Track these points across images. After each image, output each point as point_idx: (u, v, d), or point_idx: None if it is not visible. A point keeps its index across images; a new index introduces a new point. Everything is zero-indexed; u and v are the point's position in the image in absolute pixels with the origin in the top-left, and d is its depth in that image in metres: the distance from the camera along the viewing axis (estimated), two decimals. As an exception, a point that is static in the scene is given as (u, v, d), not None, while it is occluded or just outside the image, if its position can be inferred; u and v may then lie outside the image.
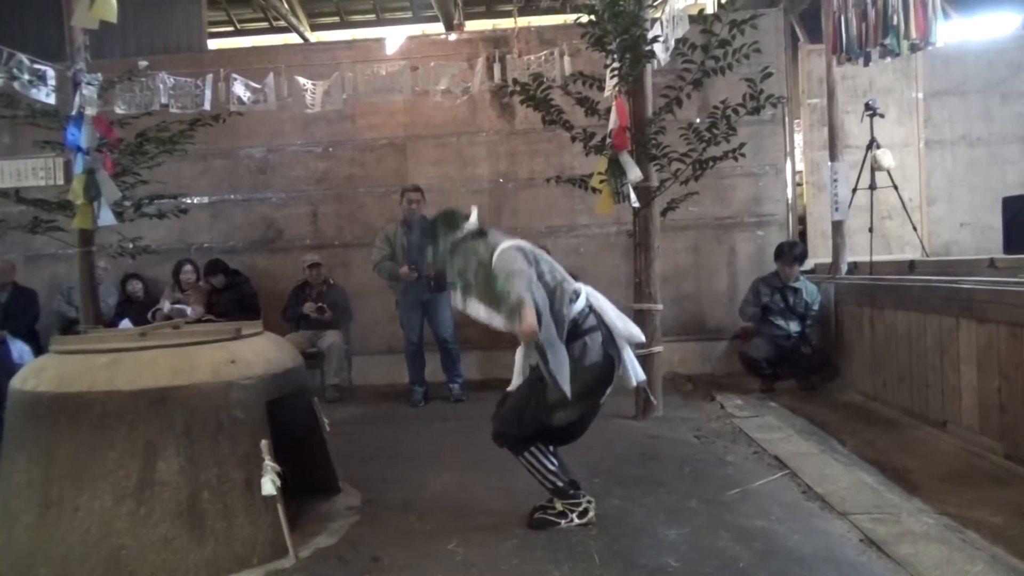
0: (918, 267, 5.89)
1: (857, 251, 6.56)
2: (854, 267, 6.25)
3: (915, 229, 6.72)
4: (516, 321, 2.71)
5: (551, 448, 3.14)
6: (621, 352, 3.09)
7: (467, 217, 3.20)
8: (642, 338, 3.20)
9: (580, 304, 3.04)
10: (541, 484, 3.11)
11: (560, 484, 3.09)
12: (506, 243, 3.03)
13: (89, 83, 5.01)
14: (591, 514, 3.13)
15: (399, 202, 6.05)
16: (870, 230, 6.34)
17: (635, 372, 3.13)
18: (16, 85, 5.00)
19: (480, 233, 3.17)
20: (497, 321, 2.87)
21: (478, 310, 2.96)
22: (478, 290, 2.97)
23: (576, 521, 3.09)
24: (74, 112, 4.95)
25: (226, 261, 6.70)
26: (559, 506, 3.11)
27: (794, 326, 5.83)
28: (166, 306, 6.37)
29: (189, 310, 6.31)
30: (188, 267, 6.63)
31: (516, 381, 3.18)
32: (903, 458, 3.98)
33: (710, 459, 4.05)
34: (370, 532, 3.18)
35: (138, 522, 2.75)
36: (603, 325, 3.06)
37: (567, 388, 2.84)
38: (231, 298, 6.53)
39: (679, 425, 4.83)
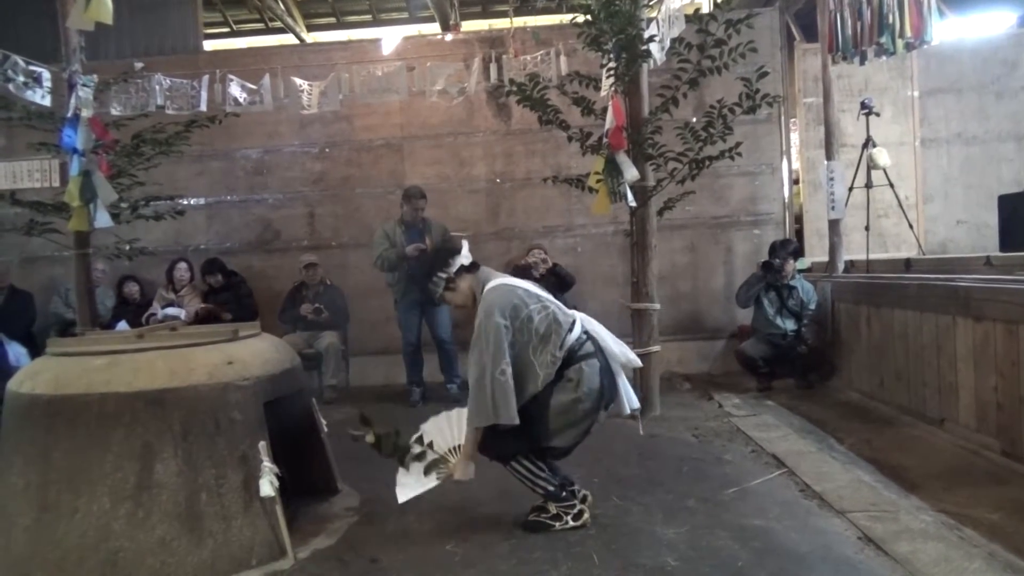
0: (915, 265, 5.91)
1: (853, 249, 6.57)
2: (851, 265, 6.26)
3: (911, 227, 6.74)
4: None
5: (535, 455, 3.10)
6: (616, 379, 3.11)
7: (459, 251, 3.22)
8: (639, 363, 3.22)
9: (575, 333, 3.05)
10: (532, 490, 3.10)
11: (551, 488, 3.08)
12: (494, 282, 3.10)
13: (85, 85, 4.99)
14: (586, 515, 3.12)
15: (400, 205, 6.04)
16: (866, 228, 6.35)
17: (629, 400, 3.15)
18: (11, 87, 4.98)
19: (472, 267, 3.22)
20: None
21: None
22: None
23: (571, 523, 3.08)
24: (69, 114, 4.93)
25: (222, 262, 6.68)
26: (553, 509, 3.10)
27: (790, 325, 5.84)
28: (159, 312, 6.35)
29: (183, 314, 6.29)
30: (183, 264, 6.62)
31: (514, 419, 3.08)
32: (900, 456, 3.99)
33: (708, 458, 4.05)
34: (369, 533, 3.18)
35: (136, 524, 2.75)
36: (600, 352, 3.07)
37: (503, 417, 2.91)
38: (228, 299, 6.52)
39: (677, 424, 4.83)
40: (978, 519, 3.05)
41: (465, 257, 3.20)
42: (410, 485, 3.10)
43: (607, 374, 3.06)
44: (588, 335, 3.10)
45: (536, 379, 2.96)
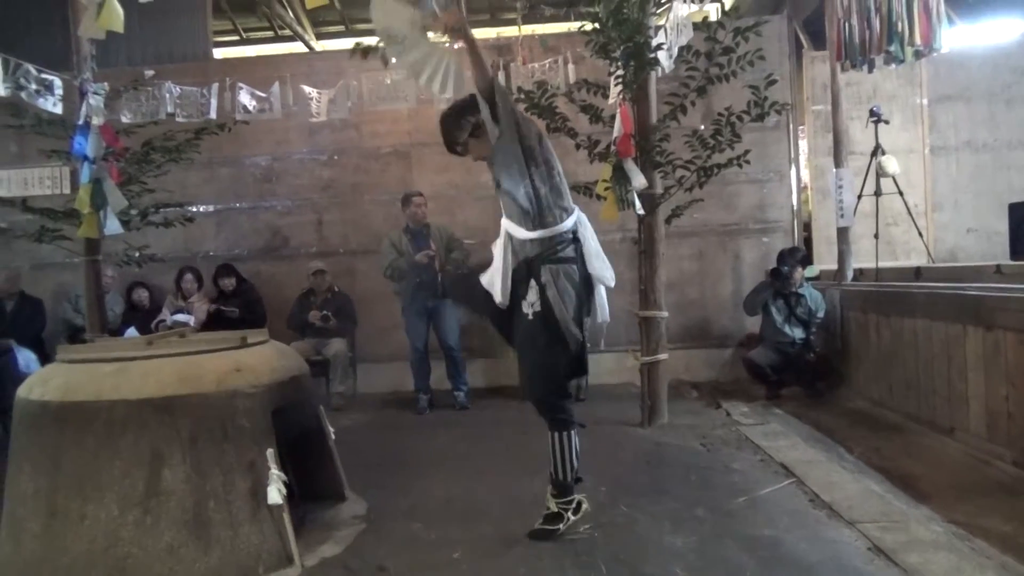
0: (924, 274, 5.88)
1: (862, 257, 6.53)
2: (859, 274, 6.23)
3: (921, 235, 6.70)
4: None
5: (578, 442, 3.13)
6: (592, 290, 3.12)
7: None
8: (611, 283, 3.18)
9: (567, 224, 3.06)
10: (554, 470, 3.09)
11: (568, 480, 3.09)
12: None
13: (95, 92, 5.03)
14: (585, 505, 3.13)
15: (402, 210, 6.06)
16: (875, 236, 6.31)
17: (603, 311, 3.18)
18: (23, 95, 5.02)
19: None
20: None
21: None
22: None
23: (572, 518, 3.08)
24: (80, 121, 4.97)
25: (235, 267, 6.71)
26: (553, 506, 3.10)
27: (798, 333, 5.82)
28: (168, 318, 6.38)
29: (192, 320, 6.31)
30: (189, 276, 6.61)
31: (498, 296, 3.13)
32: (910, 465, 3.96)
33: (716, 466, 4.04)
34: (375, 541, 3.18)
35: (144, 531, 2.75)
36: (580, 258, 3.08)
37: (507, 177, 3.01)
38: (237, 305, 6.54)
39: (685, 432, 4.81)
40: (990, 530, 3.03)
41: None
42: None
43: (585, 283, 3.08)
44: (575, 236, 3.09)
45: (518, 192, 2.99)
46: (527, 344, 3.08)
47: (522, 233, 3.05)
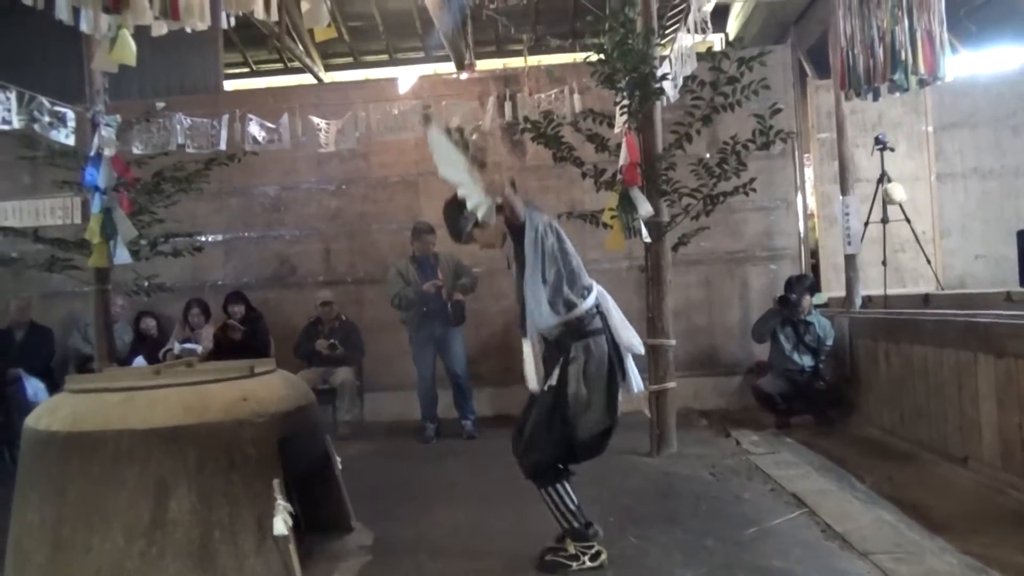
0: (933, 300, 5.85)
1: (870, 284, 6.52)
2: (868, 301, 6.21)
3: (929, 262, 6.68)
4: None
5: (571, 487, 3.08)
6: (623, 360, 3.12)
7: None
8: (641, 350, 3.20)
9: (589, 302, 3.07)
10: (559, 522, 3.06)
11: (576, 525, 3.04)
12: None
13: (107, 124, 5.11)
14: (603, 556, 3.07)
15: (411, 241, 6.09)
16: (883, 263, 6.30)
17: (636, 381, 3.16)
18: (36, 127, 5.10)
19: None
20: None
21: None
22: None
23: (588, 564, 3.03)
24: (92, 152, 5.04)
25: (246, 296, 6.73)
26: (571, 548, 3.05)
27: (807, 361, 5.79)
28: (176, 347, 6.39)
29: (199, 348, 6.32)
30: (195, 309, 6.60)
31: (532, 383, 3.09)
32: (923, 495, 3.91)
33: (726, 496, 3.99)
34: (382, 572, 3.15)
35: (149, 562, 2.73)
36: (608, 330, 3.09)
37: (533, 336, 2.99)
38: (244, 333, 6.53)
39: (694, 462, 4.77)
40: (1005, 562, 2.97)
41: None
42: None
43: (614, 351, 3.08)
44: (599, 310, 3.10)
45: (540, 296, 2.95)
46: (548, 408, 3.04)
47: (547, 320, 3.02)
